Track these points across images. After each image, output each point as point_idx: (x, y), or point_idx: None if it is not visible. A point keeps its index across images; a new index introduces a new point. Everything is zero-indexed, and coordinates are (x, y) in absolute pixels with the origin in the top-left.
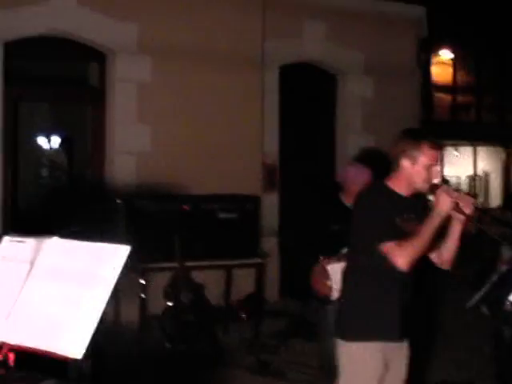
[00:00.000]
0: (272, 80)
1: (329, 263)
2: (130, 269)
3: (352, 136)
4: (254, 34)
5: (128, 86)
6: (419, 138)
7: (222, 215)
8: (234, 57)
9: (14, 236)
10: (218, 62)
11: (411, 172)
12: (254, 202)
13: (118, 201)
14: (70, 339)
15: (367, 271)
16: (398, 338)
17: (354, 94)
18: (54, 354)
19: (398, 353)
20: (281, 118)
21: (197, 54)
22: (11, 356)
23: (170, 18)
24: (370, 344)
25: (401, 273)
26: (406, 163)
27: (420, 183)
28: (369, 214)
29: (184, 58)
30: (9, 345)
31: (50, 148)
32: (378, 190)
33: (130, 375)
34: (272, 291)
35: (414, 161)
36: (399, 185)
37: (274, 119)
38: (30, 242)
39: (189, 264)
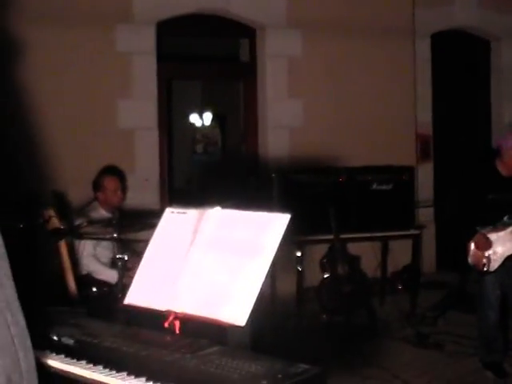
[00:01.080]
0: (424, 49)
1: (488, 233)
2: (287, 241)
3: (508, 103)
4: (404, 3)
5: (279, 61)
6: None
7: (377, 186)
8: (385, 27)
9: (176, 208)
10: (368, 32)
11: None
12: (408, 172)
13: (273, 175)
14: (233, 307)
15: None
16: None
17: (509, 60)
18: (218, 321)
19: None
20: (434, 87)
21: (347, 26)
22: (177, 323)
23: None
24: None
25: None
26: None
27: None
28: None
29: (334, 30)
30: (174, 313)
31: (203, 124)
32: None
33: (287, 346)
34: (429, 262)
35: None
36: None
37: (427, 88)
38: (191, 212)
39: (344, 236)
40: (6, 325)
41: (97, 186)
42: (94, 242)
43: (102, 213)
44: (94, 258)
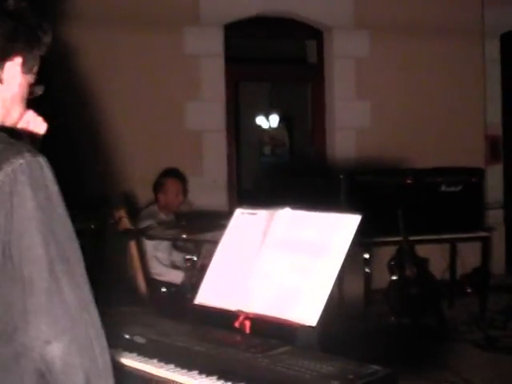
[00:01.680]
0: (493, 49)
1: None
2: (354, 243)
3: None
4: (473, 3)
5: (346, 62)
6: None
7: (446, 188)
8: (453, 27)
9: (246, 208)
10: (436, 33)
11: None
12: (478, 174)
13: (340, 176)
14: (304, 307)
15: None
16: None
17: None
18: (288, 321)
19: None
20: (503, 88)
21: (414, 26)
22: (247, 324)
23: None
24: None
25: None
26: None
27: None
28: None
29: (401, 31)
30: (244, 313)
31: (270, 126)
32: None
33: (355, 348)
34: (498, 265)
35: None
36: None
37: (496, 89)
38: (261, 213)
39: (412, 238)
40: (85, 324)
41: (158, 187)
42: (153, 244)
43: (160, 217)
44: (156, 259)
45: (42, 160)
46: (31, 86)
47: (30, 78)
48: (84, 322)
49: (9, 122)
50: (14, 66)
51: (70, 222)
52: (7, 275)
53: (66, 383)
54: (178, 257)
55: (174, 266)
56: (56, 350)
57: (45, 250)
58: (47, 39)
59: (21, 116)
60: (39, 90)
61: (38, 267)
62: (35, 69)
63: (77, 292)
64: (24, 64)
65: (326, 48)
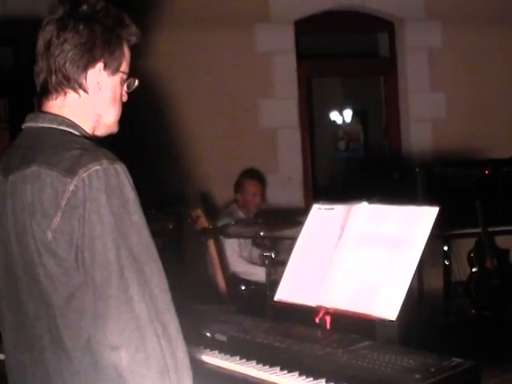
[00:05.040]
0: None
1: None
2: (433, 235)
3: None
4: None
5: (419, 54)
6: None
7: None
8: None
9: (323, 204)
10: (509, 20)
11: None
12: None
13: (416, 169)
14: (384, 302)
15: None
16: None
17: None
18: (369, 316)
19: None
20: None
21: (487, 15)
22: (327, 319)
23: None
24: None
25: None
26: None
27: None
28: None
29: (474, 20)
30: (324, 308)
31: (344, 121)
32: None
33: (435, 341)
34: None
35: None
36: None
37: None
38: (338, 208)
39: (492, 229)
40: (156, 335)
41: (237, 187)
42: (238, 243)
43: (239, 215)
44: (241, 258)
45: (119, 167)
46: (126, 82)
47: (121, 76)
48: (155, 333)
49: (103, 127)
50: (97, 72)
51: (146, 231)
52: (80, 279)
53: None
54: (257, 254)
55: (254, 264)
56: (122, 358)
57: (116, 256)
58: (130, 31)
59: (117, 115)
60: (134, 84)
61: (108, 273)
62: (124, 65)
63: (148, 301)
64: (107, 67)
65: (397, 40)
